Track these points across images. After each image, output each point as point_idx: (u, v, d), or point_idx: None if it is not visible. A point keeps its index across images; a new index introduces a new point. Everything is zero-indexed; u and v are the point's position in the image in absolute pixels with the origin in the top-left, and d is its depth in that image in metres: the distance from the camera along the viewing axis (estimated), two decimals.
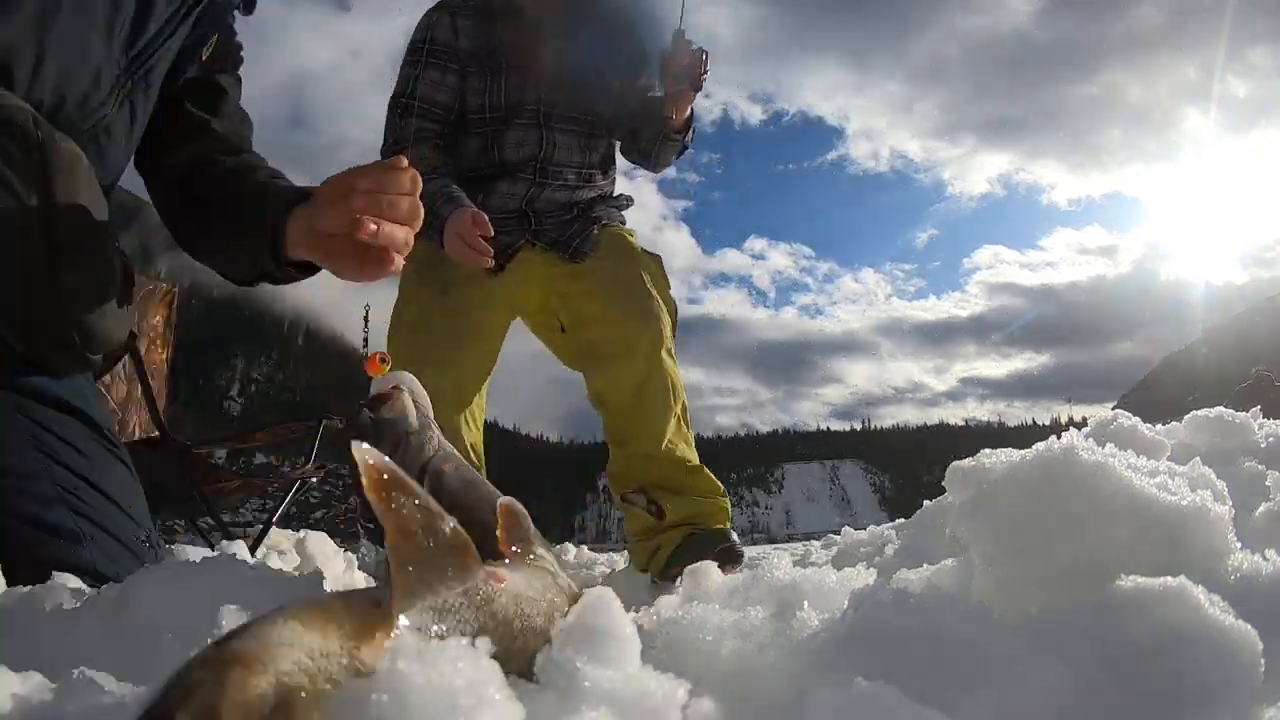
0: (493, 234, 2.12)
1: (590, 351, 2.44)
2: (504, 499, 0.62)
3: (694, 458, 2.42)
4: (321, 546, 3.18)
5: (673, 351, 2.42)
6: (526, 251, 2.42)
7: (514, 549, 0.56)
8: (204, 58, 1.25)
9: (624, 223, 2.61)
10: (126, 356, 2.60)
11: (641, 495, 2.41)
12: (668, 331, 2.39)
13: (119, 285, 1.09)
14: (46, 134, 0.93)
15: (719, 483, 2.46)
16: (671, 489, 2.39)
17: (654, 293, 2.41)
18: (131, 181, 1.30)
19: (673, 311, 2.48)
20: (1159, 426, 1.09)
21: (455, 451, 0.93)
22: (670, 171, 2.76)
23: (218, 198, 1.20)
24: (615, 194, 2.64)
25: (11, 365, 1.07)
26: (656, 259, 2.53)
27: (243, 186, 1.19)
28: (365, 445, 0.40)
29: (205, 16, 1.20)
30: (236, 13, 1.31)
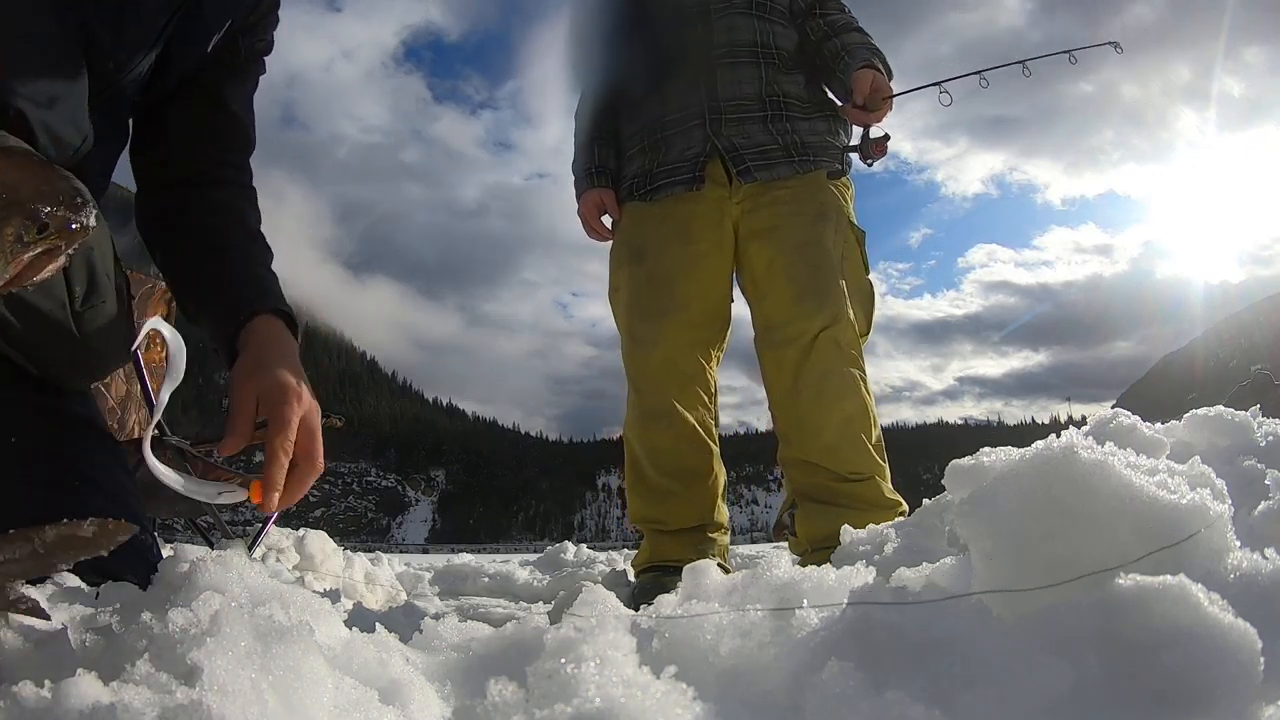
0: (618, 218, 2.32)
1: (760, 331, 2.16)
2: None
3: (867, 467, 2.01)
4: (320, 545, 3.18)
5: (853, 350, 2.06)
6: (715, 187, 2.17)
7: None
8: (210, 49, 1.19)
9: (841, 168, 2.22)
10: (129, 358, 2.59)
11: (789, 513, 2.13)
12: (846, 320, 2.06)
13: (126, 309, 1.10)
14: None
15: (896, 497, 2.04)
16: (819, 499, 2.04)
17: (840, 274, 2.09)
18: (124, 176, 1.28)
19: (865, 301, 2.15)
20: (1158, 425, 1.09)
21: None
22: None
23: (189, 266, 1.17)
24: (823, 102, 2.29)
25: (23, 382, 1.08)
26: (860, 234, 2.20)
27: (209, 278, 1.15)
28: None
29: (183, 31, 1.14)
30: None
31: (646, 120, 2.29)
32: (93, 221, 0.70)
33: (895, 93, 2.13)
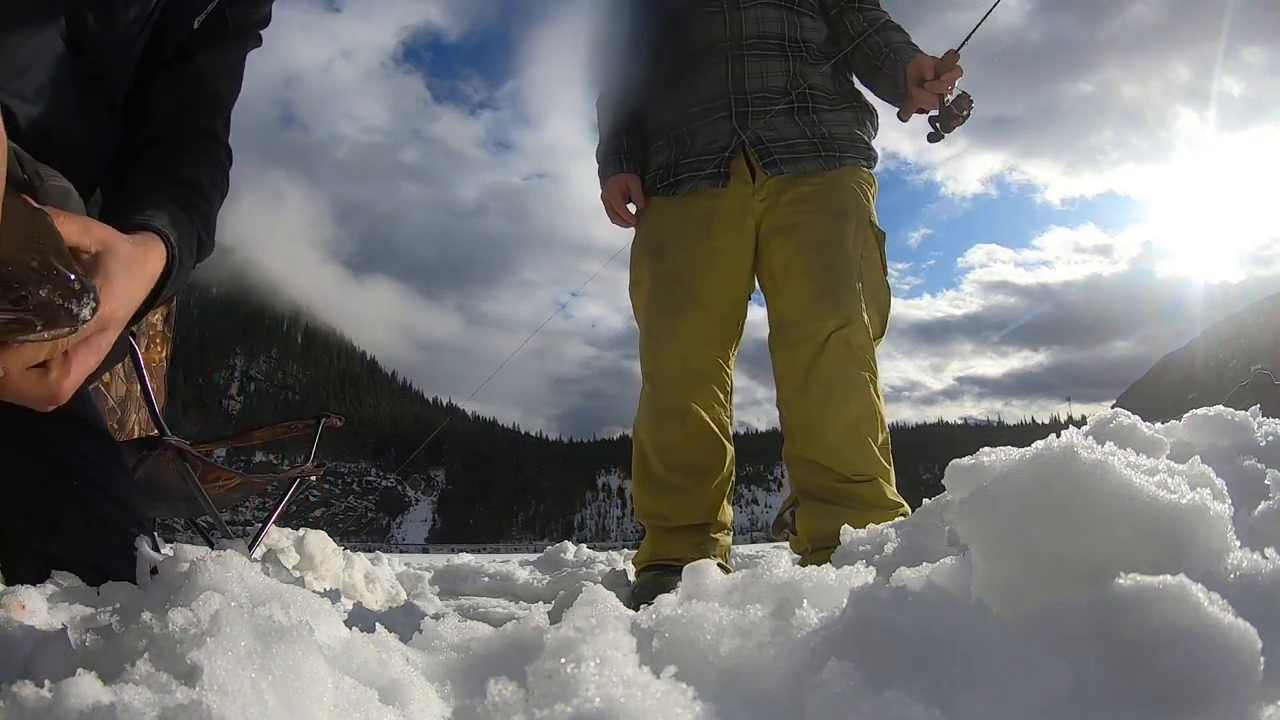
0: (643, 205, 2.29)
1: (774, 328, 2.16)
2: None
3: (871, 469, 2.01)
4: (321, 545, 3.18)
5: (865, 352, 2.06)
6: (739, 184, 2.16)
7: None
8: (196, 26, 1.12)
9: (868, 161, 2.24)
10: (125, 355, 2.60)
11: (790, 510, 2.13)
12: (860, 322, 2.06)
13: None
14: (32, 172, 0.90)
15: (898, 499, 2.03)
16: (822, 499, 2.04)
17: (858, 275, 2.08)
18: None
19: (881, 302, 2.15)
20: (1158, 425, 1.09)
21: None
22: None
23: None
24: (850, 93, 2.29)
25: None
26: (880, 235, 2.20)
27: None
28: None
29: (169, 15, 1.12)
30: None
31: (672, 112, 2.27)
32: (87, 315, 0.61)
33: (964, 39, 2.11)
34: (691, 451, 2.18)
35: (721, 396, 2.21)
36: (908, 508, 2.02)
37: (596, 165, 2.41)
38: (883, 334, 2.17)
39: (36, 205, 0.63)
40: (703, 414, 2.16)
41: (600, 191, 2.37)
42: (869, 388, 2.05)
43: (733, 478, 2.26)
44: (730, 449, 2.23)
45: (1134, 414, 1.02)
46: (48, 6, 0.98)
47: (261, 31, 1.25)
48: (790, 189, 2.15)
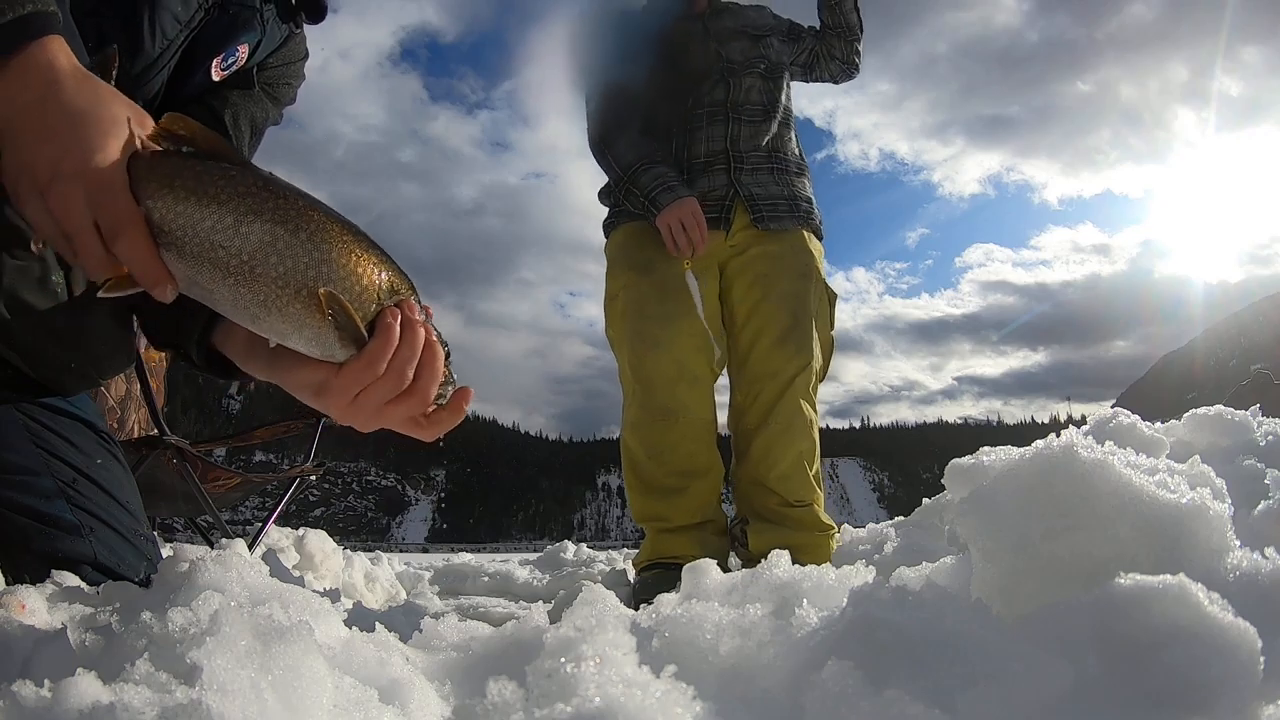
0: (706, 235, 2.32)
1: (739, 364, 2.41)
2: None
3: (809, 496, 2.30)
4: (320, 544, 3.19)
5: (814, 393, 2.37)
6: (715, 233, 2.36)
7: None
8: (217, 79, 1.16)
9: (819, 232, 2.53)
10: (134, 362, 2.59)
11: (740, 526, 2.34)
12: (814, 372, 2.37)
13: (125, 315, 1.09)
14: None
15: (829, 521, 2.32)
16: (769, 520, 2.30)
17: (814, 331, 2.37)
18: None
19: (827, 353, 2.45)
20: (1158, 424, 1.09)
21: None
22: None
23: None
24: (803, 165, 2.59)
25: (21, 385, 1.07)
26: (832, 298, 2.50)
27: None
28: None
29: (199, 41, 1.13)
30: (298, 24, 1.25)
31: (673, 154, 2.44)
32: (448, 393, 0.76)
33: None
34: (687, 448, 2.30)
35: (710, 400, 2.37)
36: (836, 529, 2.31)
37: (633, 194, 2.39)
38: (825, 376, 2.47)
39: None
40: (696, 414, 2.30)
41: (660, 218, 2.31)
42: (814, 425, 2.36)
43: (722, 481, 2.41)
44: (719, 457, 2.38)
45: (1134, 414, 1.02)
46: (74, 36, 0.97)
47: (285, 110, 1.29)
48: (757, 245, 2.39)
